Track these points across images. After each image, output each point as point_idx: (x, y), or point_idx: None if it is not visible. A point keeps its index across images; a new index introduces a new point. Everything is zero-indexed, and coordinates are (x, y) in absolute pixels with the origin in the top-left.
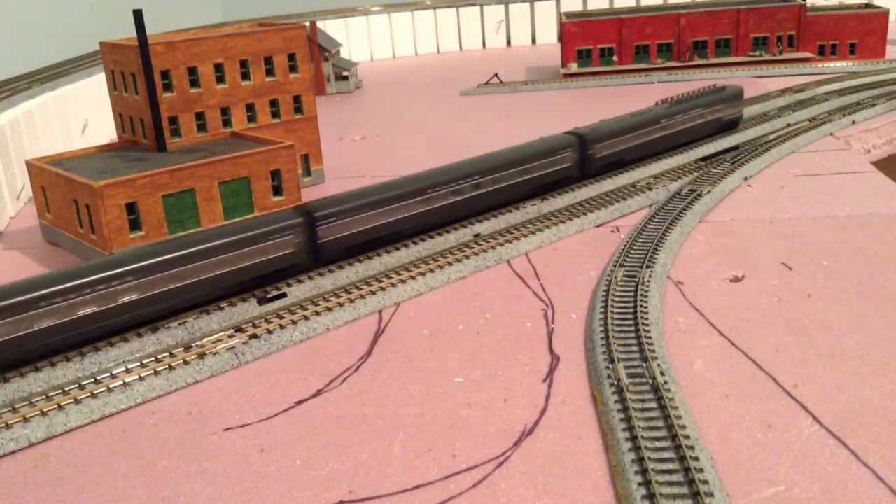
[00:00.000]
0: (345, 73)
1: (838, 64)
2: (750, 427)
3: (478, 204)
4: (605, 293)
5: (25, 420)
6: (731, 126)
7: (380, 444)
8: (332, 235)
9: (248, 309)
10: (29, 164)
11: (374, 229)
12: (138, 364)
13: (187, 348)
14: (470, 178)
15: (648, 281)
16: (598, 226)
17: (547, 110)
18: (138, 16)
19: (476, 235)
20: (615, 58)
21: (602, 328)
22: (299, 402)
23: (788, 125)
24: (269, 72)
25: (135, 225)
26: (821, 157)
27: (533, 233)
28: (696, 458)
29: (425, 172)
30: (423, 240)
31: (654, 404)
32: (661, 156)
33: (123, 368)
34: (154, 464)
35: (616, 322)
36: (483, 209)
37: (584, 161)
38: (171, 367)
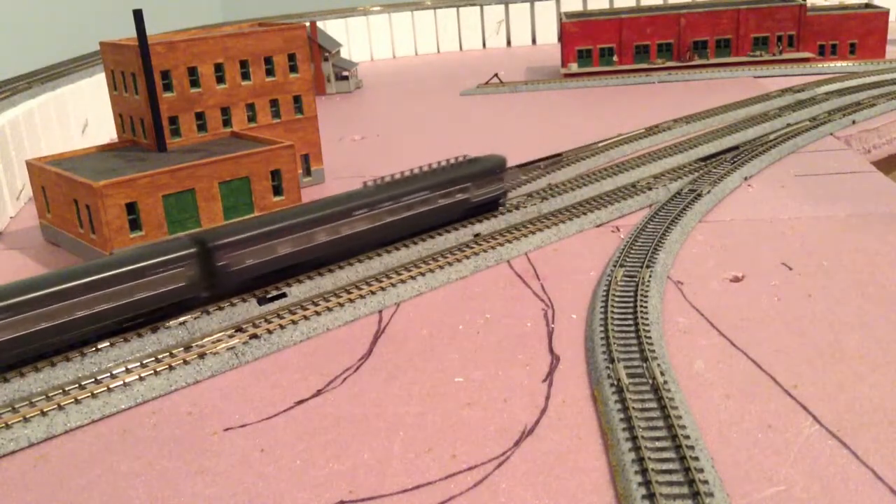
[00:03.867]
0: (345, 73)
1: (838, 64)
2: (750, 427)
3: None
4: (605, 293)
5: (25, 420)
6: (488, 208)
7: (380, 444)
8: None
9: (248, 309)
10: (29, 164)
11: None
12: (138, 364)
13: (187, 348)
14: None
15: (648, 281)
16: (598, 226)
17: (547, 110)
18: (138, 16)
19: (476, 235)
20: (615, 58)
21: (602, 328)
22: (299, 402)
23: (788, 125)
24: (269, 72)
25: (135, 225)
26: (821, 157)
27: (533, 233)
28: (696, 458)
29: None
30: (424, 240)
31: (654, 404)
32: (661, 158)
33: (123, 368)
34: (154, 464)
35: (616, 322)
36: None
37: (211, 276)
38: (171, 367)
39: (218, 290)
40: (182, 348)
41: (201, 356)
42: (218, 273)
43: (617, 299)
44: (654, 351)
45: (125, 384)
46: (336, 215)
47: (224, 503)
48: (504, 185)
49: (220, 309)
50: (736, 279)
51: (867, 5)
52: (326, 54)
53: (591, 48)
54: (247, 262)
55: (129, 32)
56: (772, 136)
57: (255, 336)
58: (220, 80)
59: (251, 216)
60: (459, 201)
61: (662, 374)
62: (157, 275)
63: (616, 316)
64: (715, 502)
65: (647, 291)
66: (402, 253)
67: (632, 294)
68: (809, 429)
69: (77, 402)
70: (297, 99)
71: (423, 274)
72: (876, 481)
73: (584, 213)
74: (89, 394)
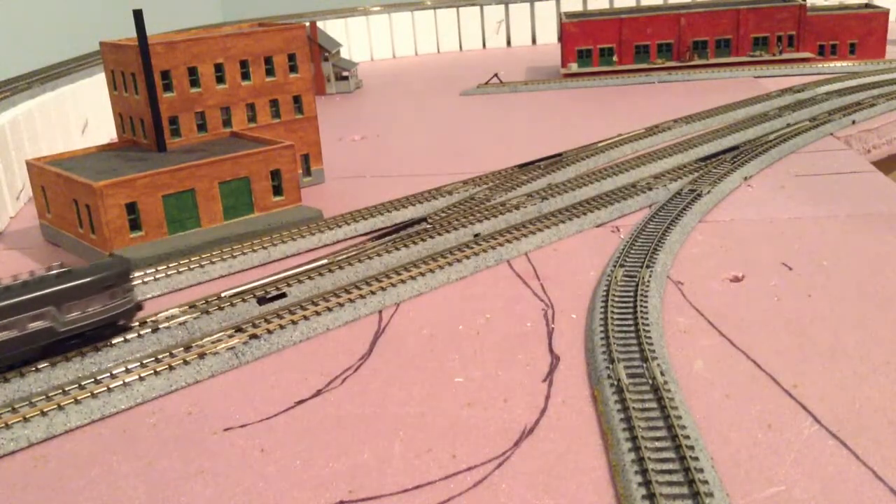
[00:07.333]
0: (345, 73)
1: (838, 64)
2: (750, 427)
3: None
4: (605, 293)
5: (25, 420)
6: (104, 332)
7: (380, 444)
8: None
9: (248, 309)
10: (29, 164)
11: None
12: (138, 364)
13: (187, 348)
14: None
15: (648, 281)
16: (598, 226)
17: (547, 110)
18: (138, 16)
19: (476, 235)
20: (615, 58)
21: (602, 328)
22: (299, 402)
23: (788, 125)
24: (269, 72)
25: (135, 225)
26: (821, 157)
27: (533, 233)
28: (696, 458)
29: None
30: (424, 240)
31: (654, 404)
32: (661, 158)
33: (123, 368)
34: (154, 464)
35: (616, 322)
36: None
37: None
38: (171, 367)
39: None
40: (182, 348)
41: (201, 356)
42: None
43: (617, 299)
44: (654, 351)
45: (125, 384)
46: None
47: (224, 503)
48: (129, 300)
49: (220, 309)
50: (736, 279)
51: (867, 5)
52: (326, 54)
53: (591, 48)
54: None
55: (129, 32)
56: (772, 136)
57: (255, 336)
58: (220, 80)
59: None
60: (35, 333)
61: (662, 374)
62: None
63: (616, 316)
64: (715, 502)
65: (647, 291)
66: (402, 253)
67: (632, 294)
68: (809, 429)
69: (77, 402)
70: (297, 99)
71: (423, 274)
72: (876, 481)
73: (584, 213)
74: (89, 394)
